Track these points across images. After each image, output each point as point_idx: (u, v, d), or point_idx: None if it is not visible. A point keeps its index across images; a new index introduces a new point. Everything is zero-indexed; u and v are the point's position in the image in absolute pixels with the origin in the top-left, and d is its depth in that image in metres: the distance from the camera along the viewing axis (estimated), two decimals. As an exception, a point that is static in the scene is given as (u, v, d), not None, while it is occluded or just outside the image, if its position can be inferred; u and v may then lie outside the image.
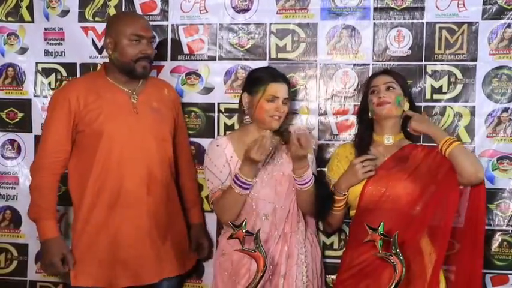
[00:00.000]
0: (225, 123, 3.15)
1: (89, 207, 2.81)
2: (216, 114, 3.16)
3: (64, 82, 3.24)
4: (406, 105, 2.72)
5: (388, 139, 2.72)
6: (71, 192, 2.88)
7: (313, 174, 2.73)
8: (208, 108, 3.16)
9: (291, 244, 2.73)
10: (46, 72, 3.28)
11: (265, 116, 2.70)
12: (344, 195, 2.67)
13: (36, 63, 3.29)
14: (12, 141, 3.33)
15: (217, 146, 2.77)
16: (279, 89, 2.71)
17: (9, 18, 3.31)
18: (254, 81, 2.77)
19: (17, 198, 3.31)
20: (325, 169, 2.92)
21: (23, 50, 3.30)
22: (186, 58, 3.19)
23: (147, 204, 2.83)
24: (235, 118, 3.10)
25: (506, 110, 2.98)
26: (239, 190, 2.61)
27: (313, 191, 2.69)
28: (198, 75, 3.17)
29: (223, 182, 2.71)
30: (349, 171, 2.66)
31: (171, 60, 3.19)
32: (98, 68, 3.09)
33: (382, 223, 2.38)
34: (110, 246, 2.80)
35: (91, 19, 3.22)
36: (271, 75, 2.77)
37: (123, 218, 2.80)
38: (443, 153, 2.55)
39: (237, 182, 2.61)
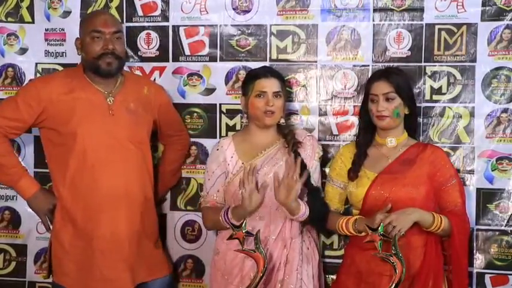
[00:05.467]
0: (226, 124, 3.16)
1: (66, 208, 2.78)
2: (218, 115, 3.16)
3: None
4: (406, 110, 2.71)
5: (391, 141, 2.73)
6: (54, 190, 2.85)
7: (315, 186, 2.74)
8: (210, 109, 3.17)
9: (292, 250, 2.70)
10: (46, 72, 3.25)
11: (258, 113, 2.73)
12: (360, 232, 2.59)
13: (36, 64, 3.27)
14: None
15: (217, 149, 2.82)
16: (266, 84, 2.73)
17: (9, 19, 3.29)
18: (245, 82, 2.83)
19: (16, 199, 3.28)
20: (326, 169, 2.96)
21: (23, 51, 3.29)
22: (188, 59, 3.18)
23: (123, 209, 2.78)
24: (236, 119, 3.14)
25: (505, 110, 2.98)
26: (225, 224, 2.62)
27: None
28: (200, 76, 3.17)
29: (212, 186, 2.77)
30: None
31: (173, 61, 3.19)
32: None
33: (382, 224, 2.41)
34: (85, 251, 2.76)
35: (93, 20, 3.21)
36: (259, 72, 2.81)
37: (98, 223, 2.76)
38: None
39: (226, 218, 2.63)
